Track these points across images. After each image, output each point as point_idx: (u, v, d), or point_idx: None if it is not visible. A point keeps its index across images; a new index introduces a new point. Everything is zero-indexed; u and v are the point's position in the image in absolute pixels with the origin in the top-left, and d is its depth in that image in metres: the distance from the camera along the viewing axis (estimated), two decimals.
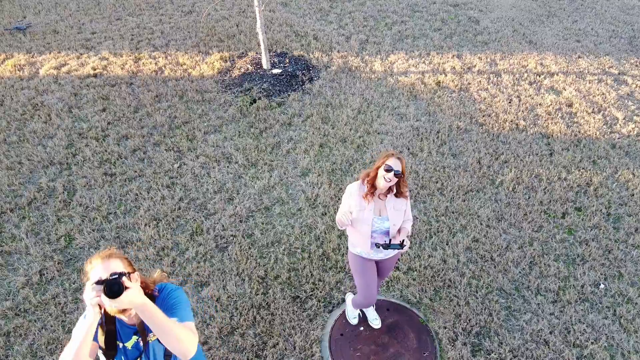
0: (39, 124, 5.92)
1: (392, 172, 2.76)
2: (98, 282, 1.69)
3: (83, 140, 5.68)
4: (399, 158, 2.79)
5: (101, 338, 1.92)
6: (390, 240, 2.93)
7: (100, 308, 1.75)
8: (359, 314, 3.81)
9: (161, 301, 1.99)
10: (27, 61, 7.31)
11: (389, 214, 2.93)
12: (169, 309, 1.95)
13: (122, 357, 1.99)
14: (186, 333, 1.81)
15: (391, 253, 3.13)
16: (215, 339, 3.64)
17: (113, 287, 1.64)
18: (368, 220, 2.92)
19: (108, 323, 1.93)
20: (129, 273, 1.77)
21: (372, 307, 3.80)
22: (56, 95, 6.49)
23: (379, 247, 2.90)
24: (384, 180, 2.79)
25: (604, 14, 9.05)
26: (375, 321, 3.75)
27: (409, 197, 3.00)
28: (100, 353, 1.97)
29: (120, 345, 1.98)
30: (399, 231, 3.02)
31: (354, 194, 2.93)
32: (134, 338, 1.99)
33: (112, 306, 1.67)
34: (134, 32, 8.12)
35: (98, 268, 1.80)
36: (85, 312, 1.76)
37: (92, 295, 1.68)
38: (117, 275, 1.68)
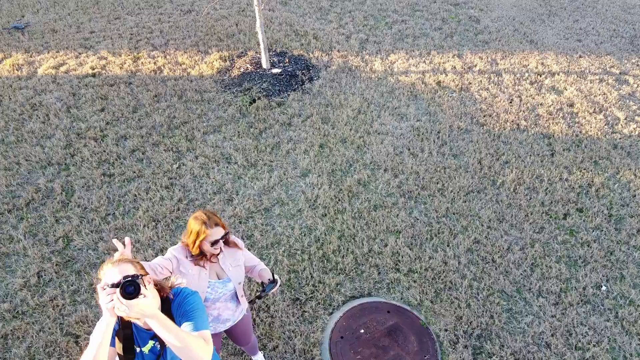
0: (37, 124, 5.88)
1: (220, 242, 2.41)
2: (113, 285, 1.70)
3: (81, 141, 5.64)
4: (216, 224, 2.37)
5: (118, 345, 1.91)
6: (263, 288, 2.62)
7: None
8: None
9: (177, 306, 1.97)
10: (25, 60, 7.27)
11: (229, 274, 2.56)
12: (185, 315, 1.93)
13: None
14: (199, 343, 1.78)
15: (244, 312, 2.83)
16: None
17: (128, 288, 1.66)
18: (204, 288, 2.48)
19: (124, 327, 1.92)
20: (141, 276, 1.76)
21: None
22: (54, 94, 6.45)
23: (255, 303, 2.58)
24: (214, 250, 2.45)
25: (605, 13, 9.02)
26: None
27: (242, 246, 2.66)
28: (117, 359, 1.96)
29: (138, 349, 1.96)
30: (260, 275, 2.73)
31: (182, 262, 2.45)
32: (151, 342, 1.97)
33: (123, 312, 1.67)
34: (133, 32, 8.08)
35: (110, 272, 1.79)
36: (102, 317, 1.77)
37: (107, 300, 1.69)
38: (130, 278, 1.69)
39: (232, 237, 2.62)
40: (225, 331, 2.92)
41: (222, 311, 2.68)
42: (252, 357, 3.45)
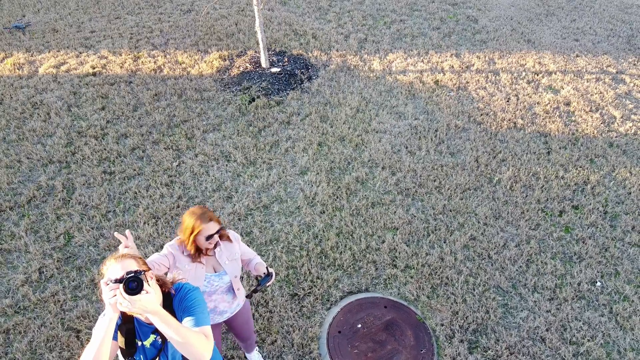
0: (38, 123, 5.93)
1: (215, 236, 2.45)
2: (116, 281, 1.72)
3: (82, 139, 5.69)
4: (210, 219, 2.42)
5: (121, 339, 1.94)
6: (257, 282, 2.61)
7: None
8: None
9: (178, 301, 1.99)
10: (26, 60, 7.31)
11: (225, 268, 2.62)
12: (186, 311, 1.95)
13: (141, 356, 2.00)
14: (200, 339, 1.80)
15: (241, 305, 2.87)
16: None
17: (131, 283, 1.67)
18: (200, 281, 2.54)
19: (126, 322, 1.94)
20: (144, 271, 1.78)
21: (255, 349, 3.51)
22: (55, 93, 6.50)
23: (252, 297, 2.66)
24: (208, 245, 2.48)
25: (603, 13, 9.07)
26: None
27: (237, 239, 2.71)
28: (119, 353, 1.98)
29: (139, 343, 1.99)
30: (255, 269, 2.75)
31: (178, 257, 2.50)
32: (152, 336, 1.99)
33: (126, 307, 1.68)
34: (133, 31, 8.13)
35: (113, 268, 1.81)
36: (104, 311, 1.79)
37: (110, 295, 1.71)
38: (133, 273, 1.70)
39: (227, 231, 2.67)
40: (227, 323, 2.96)
41: (218, 303, 2.73)
42: (247, 355, 3.47)
